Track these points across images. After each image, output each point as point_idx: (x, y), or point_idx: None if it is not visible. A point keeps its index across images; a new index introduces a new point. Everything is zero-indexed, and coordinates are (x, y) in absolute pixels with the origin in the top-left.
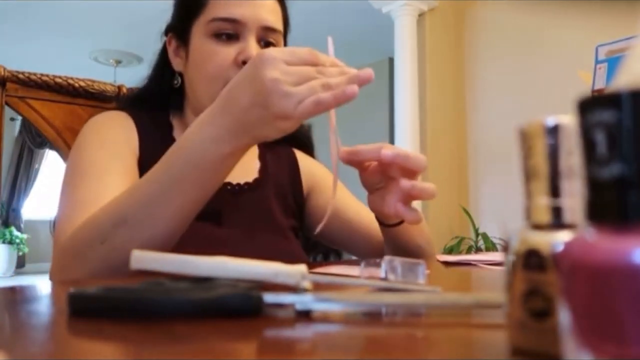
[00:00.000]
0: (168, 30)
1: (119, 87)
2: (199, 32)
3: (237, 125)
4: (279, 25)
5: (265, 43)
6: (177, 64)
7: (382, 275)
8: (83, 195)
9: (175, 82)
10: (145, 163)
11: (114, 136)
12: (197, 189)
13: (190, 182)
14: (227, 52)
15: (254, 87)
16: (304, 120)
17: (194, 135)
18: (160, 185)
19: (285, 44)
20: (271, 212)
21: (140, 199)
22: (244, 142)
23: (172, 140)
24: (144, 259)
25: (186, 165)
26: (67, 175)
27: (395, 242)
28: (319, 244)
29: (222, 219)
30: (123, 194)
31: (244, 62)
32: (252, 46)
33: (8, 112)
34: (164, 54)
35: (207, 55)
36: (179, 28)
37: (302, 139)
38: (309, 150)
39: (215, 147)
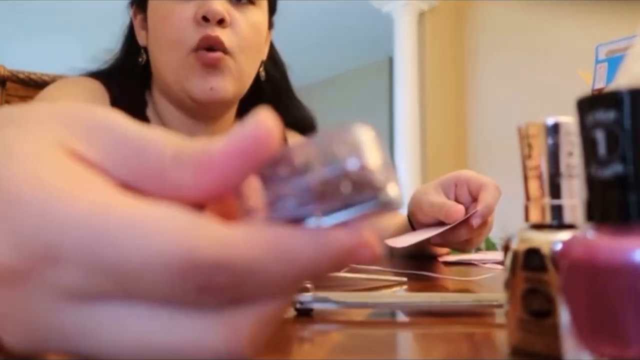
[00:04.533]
0: (132, 2)
1: None
2: None
3: None
4: None
5: None
6: (142, 37)
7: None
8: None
9: (140, 59)
10: None
11: (75, 101)
12: None
13: None
14: (185, 9)
15: None
16: None
17: None
18: None
19: (270, 24)
20: None
21: None
22: None
23: (145, 118)
24: None
25: None
26: None
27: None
28: None
29: None
30: None
31: (205, 18)
32: None
33: None
34: (130, 29)
35: (162, 17)
36: None
37: (304, 125)
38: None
39: None
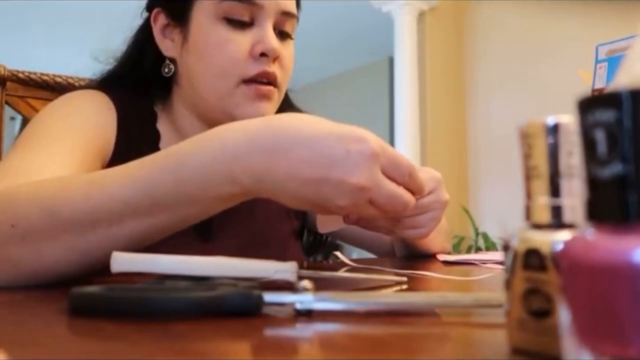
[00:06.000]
0: (154, 4)
1: None
2: (204, 12)
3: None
4: (295, 10)
5: (280, 32)
6: (166, 47)
7: None
8: (18, 163)
9: (167, 70)
10: (121, 153)
11: (85, 115)
12: (171, 220)
13: (169, 210)
14: (241, 40)
15: (327, 167)
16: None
17: (205, 159)
18: (131, 197)
19: None
20: (270, 217)
21: (96, 199)
22: (265, 196)
23: (155, 132)
24: (130, 260)
25: (175, 187)
26: (14, 145)
27: (412, 246)
28: (322, 244)
29: (212, 233)
30: (79, 178)
31: (263, 54)
32: (270, 35)
33: (8, 111)
34: (144, 32)
35: (216, 43)
36: (174, 3)
37: None
38: None
39: (227, 186)
